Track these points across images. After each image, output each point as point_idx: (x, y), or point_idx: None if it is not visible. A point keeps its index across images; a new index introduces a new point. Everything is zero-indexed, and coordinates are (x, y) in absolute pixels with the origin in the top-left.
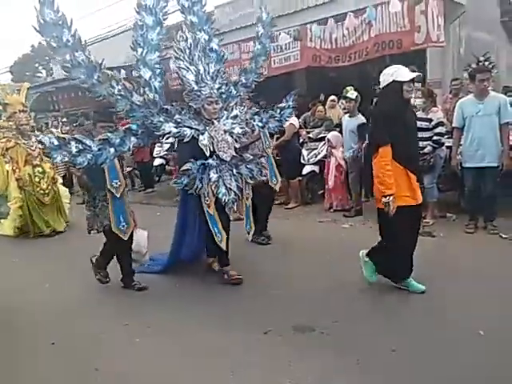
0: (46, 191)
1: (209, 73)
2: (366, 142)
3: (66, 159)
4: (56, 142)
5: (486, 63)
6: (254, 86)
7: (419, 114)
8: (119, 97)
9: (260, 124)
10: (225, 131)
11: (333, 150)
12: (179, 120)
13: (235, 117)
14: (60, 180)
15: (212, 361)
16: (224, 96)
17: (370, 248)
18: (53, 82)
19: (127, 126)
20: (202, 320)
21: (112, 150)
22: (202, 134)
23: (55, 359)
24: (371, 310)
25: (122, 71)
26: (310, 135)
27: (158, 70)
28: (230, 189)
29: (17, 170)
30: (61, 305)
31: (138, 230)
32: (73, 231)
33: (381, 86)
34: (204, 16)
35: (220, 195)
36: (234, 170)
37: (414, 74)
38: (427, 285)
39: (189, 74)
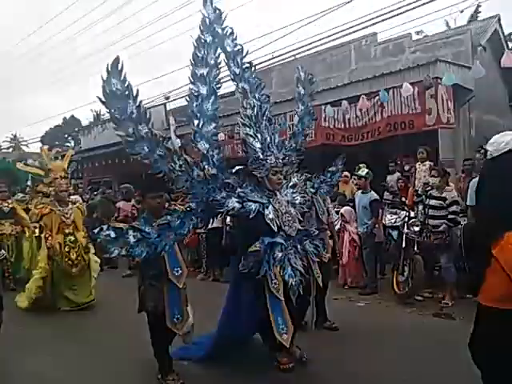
0: (75, 262)
1: (274, 142)
2: (465, 222)
3: (124, 252)
4: (113, 234)
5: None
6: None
7: (433, 192)
8: (180, 173)
9: (312, 190)
10: (287, 202)
11: (346, 225)
12: (242, 194)
13: (294, 185)
14: (93, 250)
15: None
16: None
17: None
18: (79, 151)
19: (187, 206)
20: None
21: (172, 235)
22: (267, 207)
23: None
24: None
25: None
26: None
27: (216, 143)
28: (296, 269)
29: (50, 238)
30: None
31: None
32: (95, 309)
33: (490, 156)
34: (255, 83)
35: (286, 277)
36: (299, 247)
37: None
38: (449, 371)
39: (255, 141)
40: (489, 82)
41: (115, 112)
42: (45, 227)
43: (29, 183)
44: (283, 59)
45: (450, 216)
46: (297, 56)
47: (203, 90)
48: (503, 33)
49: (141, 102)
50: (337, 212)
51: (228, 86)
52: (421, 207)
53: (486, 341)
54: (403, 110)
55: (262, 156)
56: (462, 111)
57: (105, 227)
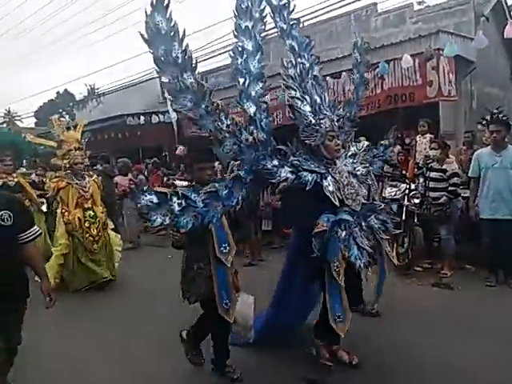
0: (96, 238)
1: (326, 103)
2: None
3: (168, 221)
4: (155, 200)
5: (500, 115)
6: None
7: (434, 164)
8: (227, 134)
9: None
10: (348, 173)
11: None
12: (296, 163)
13: (354, 155)
14: (111, 225)
15: None
16: (341, 131)
17: None
18: (74, 126)
19: (235, 174)
20: None
21: (220, 205)
22: (325, 177)
23: None
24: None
25: (142, 117)
26: None
27: (264, 105)
28: (363, 248)
29: (66, 214)
30: None
31: (241, 294)
32: (115, 288)
33: None
34: (304, 41)
35: (352, 258)
36: (363, 224)
37: None
38: (447, 342)
39: (304, 104)
40: (491, 53)
41: (159, 53)
42: (62, 202)
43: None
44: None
45: (450, 188)
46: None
47: (248, 45)
48: (506, 3)
49: (187, 45)
50: None
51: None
52: (421, 179)
53: None
54: (404, 82)
55: (314, 121)
56: (464, 83)
57: (147, 191)
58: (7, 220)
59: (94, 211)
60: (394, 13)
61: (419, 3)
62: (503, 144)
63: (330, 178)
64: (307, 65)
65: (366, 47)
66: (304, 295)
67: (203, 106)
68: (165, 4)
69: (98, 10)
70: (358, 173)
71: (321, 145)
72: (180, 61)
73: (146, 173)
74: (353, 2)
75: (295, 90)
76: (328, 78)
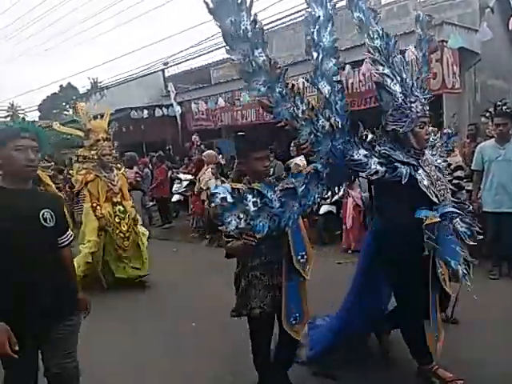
0: (127, 234)
1: (416, 83)
2: None
3: (243, 225)
4: (230, 198)
5: (504, 108)
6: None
7: None
8: (304, 122)
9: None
10: (435, 166)
11: (350, 191)
12: (386, 153)
13: (433, 146)
14: (140, 221)
15: None
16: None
17: None
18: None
19: (312, 166)
20: None
21: (296, 205)
22: (417, 170)
23: None
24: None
25: (145, 111)
26: None
27: (338, 85)
28: (458, 254)
29: (98, 208)
30: None
31: None
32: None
33: None
34: (370, 13)
35: (453, 264)
36: (450, 226)
37: None
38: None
39: (394, 83)
40: (496, 45)
41: (226, 25)
42: (90, 196)
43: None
44: (286, 22)
45: (453, 181)
46: (298, 19)
47: (320, 13)
48: None
49: (255, 15)
50: None
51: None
52: None
53: None
54: None
55: (404, 103)
56: (468, 75)
57: (219, 187)
58: (50, 220)
59: (123, 206)
60: (398, 4)
61: None
62: (508, 137)
63: (421, 171)
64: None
65: (428, 20)
66: (377, 300)
67: (278, 90)
68: None
69: (102, 2)
70: (441, 166)
71: (409, 132)
72: (250, 34)
73: (150, 166)
74: None
75: (383, 66)
76: None
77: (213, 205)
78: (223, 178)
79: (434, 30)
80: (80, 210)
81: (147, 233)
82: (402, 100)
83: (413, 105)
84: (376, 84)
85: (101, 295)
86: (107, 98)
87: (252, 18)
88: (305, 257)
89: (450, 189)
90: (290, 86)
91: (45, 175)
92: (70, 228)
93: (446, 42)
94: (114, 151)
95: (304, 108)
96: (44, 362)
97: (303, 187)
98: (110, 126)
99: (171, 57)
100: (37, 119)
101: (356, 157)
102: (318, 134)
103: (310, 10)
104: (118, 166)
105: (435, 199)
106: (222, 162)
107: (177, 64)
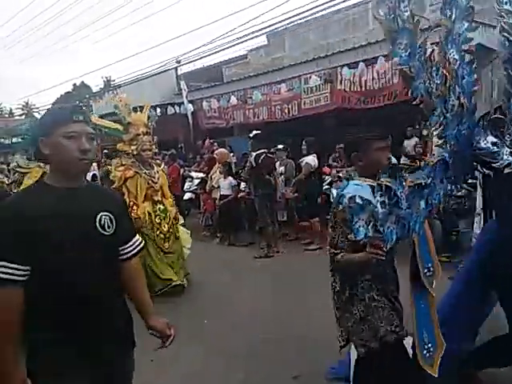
0: (167, 235)
1: None
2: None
3: (371, 232)
4: (359, 200)
5: None
6: None
7: None
8: (436, 99)
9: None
10: None
11: None
12: None
13: None
14: (181, 220)
15: None
16: None
17: None
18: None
19: (439, 158)
20: None
21: (422, 203)
22: None
23: None
24: None
25: (158, 109)
26: (340, 174)
27: (468, 57)
28: None
29: (135, 207)
30: None
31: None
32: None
33: None
34: None
35: None
36: None
37: None
38: None
39: None
40: None
41: (392, 19)
42: (129, 194)
43: None
44: (297, 19)
45: (470, 181)
46: (312, 16)
47: None
48: None
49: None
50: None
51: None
52: None
53: None
54: None
55: None
56: (485, 72)
57: (350, 185)
58: (109, 227)
59: (163, 204)
60: (413, 0)
61: None
62: None
63: None
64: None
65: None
66: (481, 308)
67: (417, 56)
68: None
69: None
70: None
71: None
72: (410, 26)
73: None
74: None
75: None
76: (345, 68)
77: (340, 207)
78: (231, 178)
79: None
80: None
81: (188, 232)
82: None
83: None
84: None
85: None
86: (120, 96)
87: (411, 4)
88: (431, 269)
89: (465, 188)
90: (428, 53)
91: None
92: (136, 233)
93: None
94: (154, 146)
95: (438, 82)
96: None
97: (430, 182)
98: (150, 120)
99: (184, 55)
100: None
101: (483, 145)
102: (448, 115)
103: None
104: (158, 161)
105: None
106: (234, 161)
107: (189, 62)
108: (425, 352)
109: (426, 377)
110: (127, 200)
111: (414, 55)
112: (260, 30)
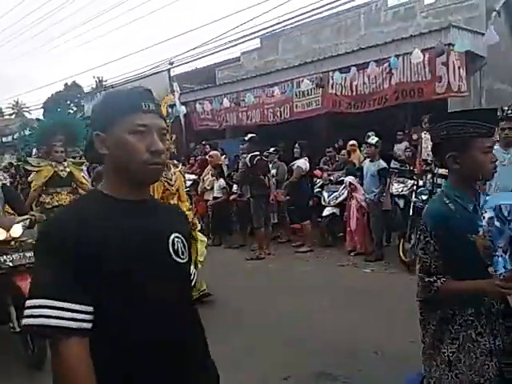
0: None
1: None
2: None
3: (509, 265)
4: (496, 220)
5: (510, 112)
6: None
7: None
8: None
9: None
10: None
11: (353, 193)
12: None
13: None
14: (199, 226)
15: None
16: None
17: None
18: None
19: None
20: None
21: None
22: None
23: None
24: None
25: None
26: (331, 178)
27: None
28: None
29: None
30: None
31: None
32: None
33: None
34: None
35: None
36: None
37: None
38: None
39: None
40: (502, 49)
41: None
42: None
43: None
44: (290, 24)
45: None
46: (304, 21)
47: None
48: None
49: None
50: (342, 181)
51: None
52: (429, 176)
53: None
54: (412, 77)
55: None
56: (474, 79)
57: (489, 198)
58: (183, 253)
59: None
60: (405, 7)
61: None
62: None
63: None
64: None
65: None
66: None
67: None
68: None
69: (109, 1)
70: None
71: None
72: None
73: None
74: None
75: None
76: (336, 72)
77: (480, 233)
78: (223, 180)
79: (441, 34)
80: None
81: (205, 240)
82: None
83: None
84: None
85: None
86: None
87: None
88: None
89: None
90: None
91: (78, 172)
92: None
93: (453, 45)
94: (172, 146)
95: None
96: None
97: None
98: (168, 117)
99: (177, 57)
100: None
101: None
102: None
103: None
104: (175, 162)
105: None
106: (226, 163)
107: (182, 64)
108: None
109: None
110: None
111: None
112: (253, 33)
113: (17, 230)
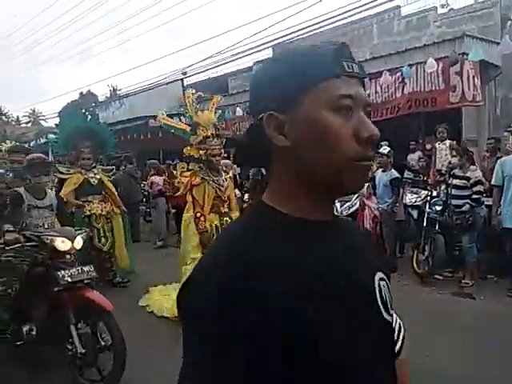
0: None
1: None
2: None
3: None
4: None
5: None
6: None
7: (457, 171)
8: None
9: None
10: None
11: (366, 201)
12: None
13: None
14: None
15: None
16: None
17: None
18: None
19: None
20: None
21: None
22: None
23: None
24: None
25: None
26: None
27: None
28: None
29: (202, 219)
30: None
31: None
32: None
33: None
34: None
35: None
36: None
37: None
38: (467, 352)
39: None
40: None
41: None
42: (195, 203)
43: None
44: (303, 34)
45: (473, 196)
46: (317, 31)
47: None
48: None
49: None
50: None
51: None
52: (443, 186)
53: None
54: (426, 86)
55: None
56: (488, 88)
57: None
58: (391, 306)
59: (230, 218)
60: (418, 16)
61: (443, 6)
62: None
63: None
64: None
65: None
66: None
67: None
68: None
69: (125, 12)
70: None
71: None
72: None
73: (167, 174)
74: (375, 7)
75: None
76: None
77: None
78: (236, 189)
79: (455, 43)
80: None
81: None
82: None
83: None
84: None
85: None
86: (126, 106)
87: None
88: None
89: (469, 203)
90: None
91: (108, 180)
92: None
93: (467, 54)
94: (222, 150)
95: None
96: None
97: None
98: (219, 119)
99: (190, 66)
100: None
101: None
102: None
103: None
104: (225, 167)
105: None
106: (238, 172)
107: (195, 74)
108: None
109: None
110: (193, 210)
111: None
112: (266, 42)
113: (79, 242)
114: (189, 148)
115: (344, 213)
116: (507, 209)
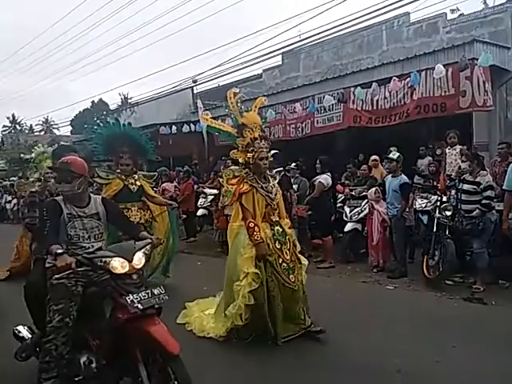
0: (291, 265)
1: None
2: None
3: None
4: None
5: None
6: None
7: (467, 177)
8: None
9: None
10: None
11: (376, 205)
12: None
13: None
14: (299, 247)
15: None
16: None
17: None
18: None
19: None
20: None
21: None
22: None
23: None
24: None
25: (174, 127)
26: (353, 193)
27: None
28: None
29: (256, 229)
30: None
31: None
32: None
33: None
34: None
35: None
36: None
37: None
38: (478, 358)
39: None
40: None
41: None
42: (245, 212)
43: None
44: (312, 41)
45: (484, 201)
46: (326, 37)
47: None
48: None
49: None
50: (366, 196)
51: (252, 70)
52: (453, 192)
53: None
54: (435, 92)
55: None
56: (499, 93)
57: None
58: None
59: (281, 226)
60: (427, 22)
61: (453, 12)
62: None
63: None
64: None
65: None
66: None
67: None
68: None
69: (135, 22)
70: None
71: None
72: None
73: (177, 180)
74: (385, 13)
75: None
76: (358, 87)
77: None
78: None
79: (464, 48)
80: None
81: (306, 263)
82: None
83: None
84: None
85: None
86: (137, 114)
87: None
88: None
89: (479, 209)
90: None
91: (149, 187)
92: None
93: (477, 59)
94: (269, 154)
95: None
96: None
97: None
98: (264, 121)
99: (200, 74)
100: (69, 134)
101: None
102: None
103: None
104: (273, 173)
105: None
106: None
107: (205, 82)
108: None
109: None
110: (245, 221)
111: None
112: (275, 50)
113: (140, 259)
114: (235, 151)
115: (353, 218)
116: None
